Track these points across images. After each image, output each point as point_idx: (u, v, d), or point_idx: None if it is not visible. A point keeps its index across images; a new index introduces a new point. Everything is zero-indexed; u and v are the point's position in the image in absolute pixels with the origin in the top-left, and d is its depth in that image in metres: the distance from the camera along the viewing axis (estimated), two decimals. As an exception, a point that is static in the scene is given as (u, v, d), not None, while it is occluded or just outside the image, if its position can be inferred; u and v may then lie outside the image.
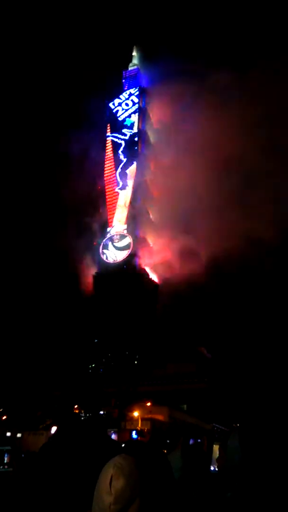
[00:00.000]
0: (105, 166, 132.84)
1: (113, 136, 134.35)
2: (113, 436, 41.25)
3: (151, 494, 1.73)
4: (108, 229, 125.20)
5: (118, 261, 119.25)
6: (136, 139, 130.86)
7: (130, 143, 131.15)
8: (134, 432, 50.40)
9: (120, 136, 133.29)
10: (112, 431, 49.79)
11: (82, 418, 58.99)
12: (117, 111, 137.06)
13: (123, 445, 2.79)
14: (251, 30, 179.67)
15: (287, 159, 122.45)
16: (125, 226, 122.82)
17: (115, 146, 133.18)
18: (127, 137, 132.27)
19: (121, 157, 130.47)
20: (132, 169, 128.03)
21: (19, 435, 55.86)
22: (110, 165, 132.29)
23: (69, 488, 2.04)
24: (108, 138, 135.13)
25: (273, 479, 2.35)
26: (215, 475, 2.93)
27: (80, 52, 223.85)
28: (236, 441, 2.48)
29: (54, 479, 2.07)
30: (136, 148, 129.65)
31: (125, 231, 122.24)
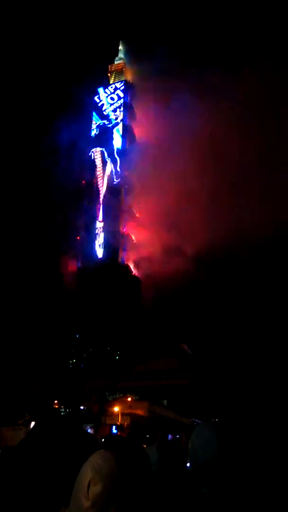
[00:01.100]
0: (90, 160, 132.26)
1: (97, 130, 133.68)
2: (90, 431, 41.26)
3: (129, 496, 1.73)
4: (92, 224, 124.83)
5: (100, 256, 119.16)
6: (120, 134, 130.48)
7: (115, 138, 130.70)
8: (114, 427, 50.59)
9: (105, 130, 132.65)
10: (88, 426, 49.82)
11: (62, 414, 58.79)
12: (102, 105, 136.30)
13: (103, 439, 2.79)
14: (242, 25, 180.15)
15: (275, 154, 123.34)
16: (108, 221, 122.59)
17: (100, 140, 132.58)
18: (111, 132, 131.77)
19: (106, 151, 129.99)
20: (116, 164, 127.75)
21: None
22: (95, 159, 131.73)
23: (46, 483, 2.03)
24: (92, 131, 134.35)
25: (250, 474, 2.39)
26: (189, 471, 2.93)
27: (65, 44, 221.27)
28: (204, 437, 2.47)
29: (31, 474, 2.06)
30: (120, 143, 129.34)
31: (108, 227, 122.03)
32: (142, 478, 2.09)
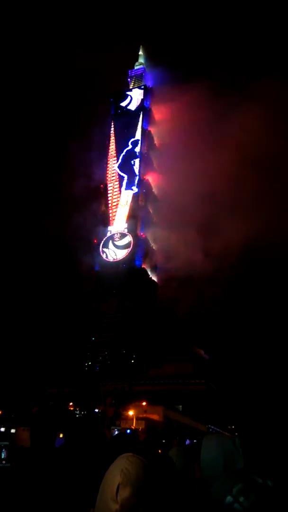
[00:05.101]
0: (108, 164, 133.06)
1: (116, 135, 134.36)
2: (116, 433, 41.25)
3: (157, 501, 1.72)
4: (109, 227, 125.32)
5: (117, 259, 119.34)
6: (139, 138, 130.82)
7: (134, 142, 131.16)
8: (128, 432, 50.34)
9: (123, 134, 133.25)
10: (115, 429, 49.86)
11: (77, 416, 58.93)
12: (122, 109, 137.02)
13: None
14: (262, 34, 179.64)
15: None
16: (126, 225, 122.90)
17: (119, 144, 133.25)
18: (131, 136, 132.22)
19: (124, 156, 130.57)
20: (134, 169, 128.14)
21: (13, 430, 55.73)
22: (113, 164, 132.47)
23: (75, 485, 2.03)
24: (111, 137, 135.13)
25: (278, 484, 2.34)
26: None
27: (88, 51, 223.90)
28: (217, 448, 2.36)
29: (58, 475, 2.07)
30: (139, 147, 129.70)
31: (126, 230, 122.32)
32: (168, 482, 2.07)
